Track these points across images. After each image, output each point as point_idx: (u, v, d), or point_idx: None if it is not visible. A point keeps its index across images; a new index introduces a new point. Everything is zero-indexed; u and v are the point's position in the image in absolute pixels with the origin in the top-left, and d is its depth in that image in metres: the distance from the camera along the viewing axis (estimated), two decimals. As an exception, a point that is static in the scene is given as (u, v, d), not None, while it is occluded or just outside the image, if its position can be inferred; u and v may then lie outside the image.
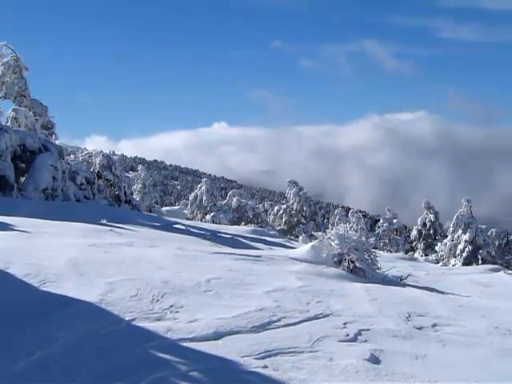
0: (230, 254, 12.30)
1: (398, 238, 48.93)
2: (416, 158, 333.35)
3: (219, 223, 40.35)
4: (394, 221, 49.74)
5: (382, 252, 25.05)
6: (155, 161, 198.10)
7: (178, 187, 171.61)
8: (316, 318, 7.56)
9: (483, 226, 37.94)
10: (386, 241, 48.52)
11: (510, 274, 15.61)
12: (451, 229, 38.54)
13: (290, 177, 51.27)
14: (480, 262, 34.34)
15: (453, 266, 33.60)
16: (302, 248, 13.16)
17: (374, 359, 6.16)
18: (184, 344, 5.95)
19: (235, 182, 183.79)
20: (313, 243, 12.73)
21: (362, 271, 11.79)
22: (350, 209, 60.50)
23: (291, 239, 31.66)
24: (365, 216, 63.26)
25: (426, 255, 42.19)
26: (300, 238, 36.33)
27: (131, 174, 47.06)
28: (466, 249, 36.73)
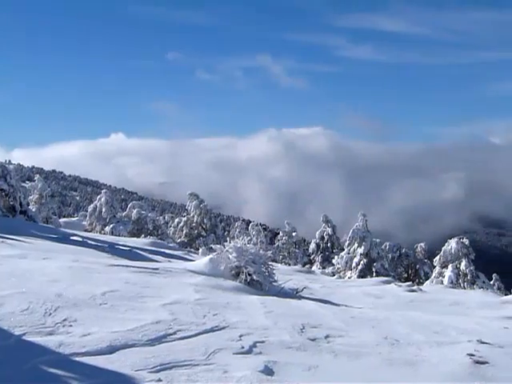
0: (127, 266, 12.16)
1: (297, 250, 49.65)
2: (313, 172, 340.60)
3: (119, 235, 39.68)
4: (294, 234, 50.45)
5: (279, 265, 25.39)
6: (53, 171, 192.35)
7: (77, 198, 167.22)
8: (212, 330, 7.59)
9: (377, 240, 39.13)
10: (286, 254, 49.10)
11: (399, 285, 16.20)
12: (347, 242, 39.50)
13: (189, 189, 50.95)
14: (374, 274, 35.35)
15: (349, 278, 34.44)
16: (201, 261, 13.18)
17: (268, 371, 6.25)
18: (76, 359, 5.84)
19: (136, 193, 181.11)
20: (211, 256, 12.78)
21: (259, 284, 11.92)
22: (250, 221, 60.93)
23: (191, 252, 31.53)
24: (265, 229, 63.82)
25: (324, 268, 43.01)
26: (200, 250, 36.24)
27: (28, 184, 45.41)
28: (362, 262, 37.73)
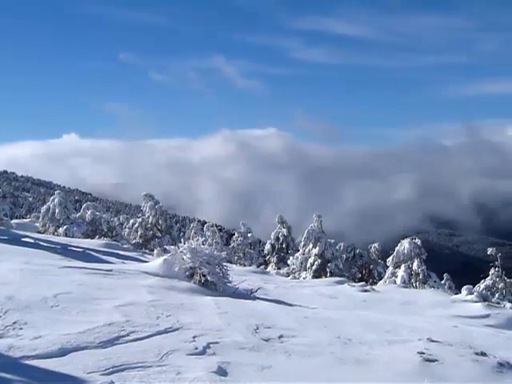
0: (80, 267, 12.02)
1: (252, 251, 49.67)
2: (267, 173, 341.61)
3: (72, 236, 39.08)
4: (249, 235, 50.46)
5: (234, 266, 25.41)
6: (5, 171, 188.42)
7: (30, 199, 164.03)
8: (165, 331, 7.58)
9: (332, 241, 39.40)
10: (241, 254, 49.08)
11: (353, 286, 16.38)
12: (302, 243, 39.65)
13: (143, 190, 50.40)
14: (329, 274, 35.60)
15: (303, 278, 34.62)
16: (155, 262, 13.12)
17: (222, 371, 6.27)
18: (27, 362, 5.77)
19: (90, 194, 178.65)
20: (165, 257, 12.72)
21: (214, 285, 11.92)
22: (205, 222, 60.73)
23: (146, 253, 31.29)
24: (220, 230, 63.72)
25: (279, 268, 43.10)
26: (155, 251, 35.97)
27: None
28: (316, 262, 37.94)
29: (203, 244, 13.14)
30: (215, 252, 13.18)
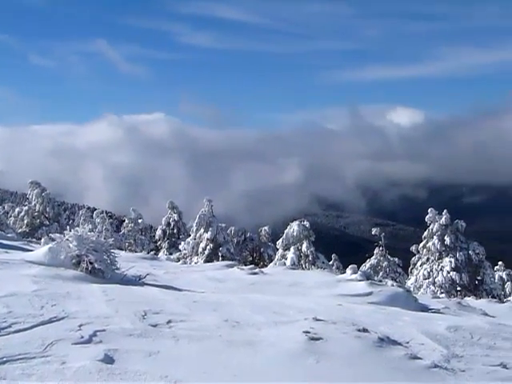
0: (-41, 259, 11.50)
1: (143, 237, 49.26)
2: (155, 158, 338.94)
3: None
4: (140, 221, 49.95)
5: (124, 252, 25.10)
6: None
7: None
8: (50, 321, 7.39)
9: (223, 225, 39.72)
10: (132, 241, 48.54)
11: (242, 269, 16.58)
12: (194, 228, 39.74)
13: (28, 177, 48.84)
14: (220, 258, 35.90)
15: (195, 263, 34.69)
16: (39, 250, 12.74)
17: (108, 359, 6.20)
18: None
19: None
20: (50, 245, 12.39)
21: (101, 272, 11.73)
22: (95, 209, 59.55)
23: (32, 242, 30.30)
24: (110, 216, 62.69)
25: (171, 254, 42.98)
26: (42, 240, 34.92)
27: None
28: (208, 247, 38.18)
29: (92, 231, 12.89)
30: (103, 239, 12.97)
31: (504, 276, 37.96)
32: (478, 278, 34.76)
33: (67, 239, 12.09)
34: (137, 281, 12.43)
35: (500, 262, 39.08)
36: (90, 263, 11.63)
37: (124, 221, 52.43)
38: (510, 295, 35.70)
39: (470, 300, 19.21)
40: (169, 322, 8.09)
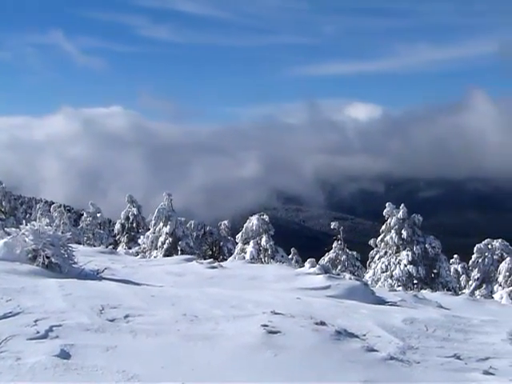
0: None
1: (102, 231, 48.80)
2: (113, 152, 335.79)
3: None
4: (98, 215, 49.46)
5: (82, 246, 24.81)
6: None
7: None
8: (5, 317, 7.30)
9: (182, 219, 39.57)
10: (90, 235, 48.06)
11: (201, 263, 16.55)
12: (153, 222, 39.50)
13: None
14: (180, 252, 35.77)
15: (154, 257, 34.51)
16: (-6, 245, 12.52)
17: (65, 354, 6.15)
18: None
19: None
20: (5, 240, 12.19)
21: (58, 266, 11.60)
22: (53, 203, 58.79)
23: (-13, 236, 29.84)
24: (69, 210, 62.01)
25: (130, 248, 42.65)
26: (-3, 234, 34.40)
27: None
28: (167, 241, 37.98)
29: (49, 225, 12.74)
30: (60, 233, 12.84)
31: (459, 269, 38.69)
32: (434, 271, 35.33)
33: (23, 233, 11.92)
34: (95, 275, 12.32)
35: (455, 256, 39.83)
36: (47, 258, 11.49)
37: (82, 215, 51.87)
38: (464, 288, 36.43)
39: (426, 293, 19.52)
40: (126, 316, 8.05)
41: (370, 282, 29.45)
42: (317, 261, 16.45)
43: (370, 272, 35.97)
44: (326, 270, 14.83)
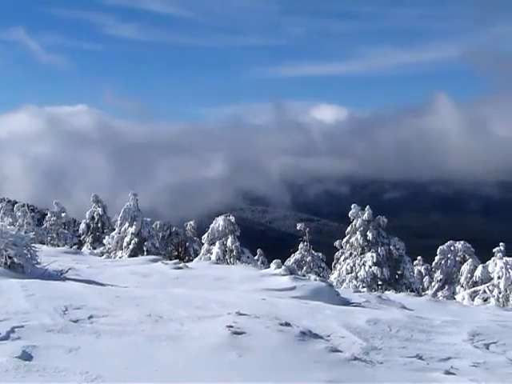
0: None
1: (66, 231, 48.26)
2: (78, 151, 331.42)
3: None
4: (63, 214, 48.87)
5: (46, 246, 24.50)
6: None
7: None
8: (-35, 318, 7.18)
9: (148, 219, 39.31)
10: (54, 235, 47.50)
11: (166, 263, 16.48)
12: (119, 222, 39.19)
13: None
14: (145, 253, 35.55)
15: (120, 258, 34.26)
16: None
17: (27, 356, 6.09)
18: None
19: None
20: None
21: (21, 267, 11.46)
22: (16, 202, 57.97)
23: None
24: (32, 210, 61.16)
25: (95, 248, 42.28)
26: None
27: None
28: (133, 241, 37.70)
29: (12, 225, 12.58)
30: (24, 233, 12.68)
31: (422, 270, 39.14)
32: (398, 272, 35.67)
33: (-15, 234, 11.75)
34: (58, 276, 12.20)
35: (419, 257, 40.27)
36: (9, 258, 11.35)
37: (46, 214, 51.21)
38: (427, 289, 36.88)
39: (389, 294, 19.69)
40: (90, 317, 7.99)
41: (335, 283, 29.63)
42: (283, 262, 16.47)
43: (336, 273, 36.16)
44: (291, 271, 14.88)
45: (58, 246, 40.47)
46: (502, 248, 31.83)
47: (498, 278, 26.70)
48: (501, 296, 26.22)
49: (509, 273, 26.34)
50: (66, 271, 12.68)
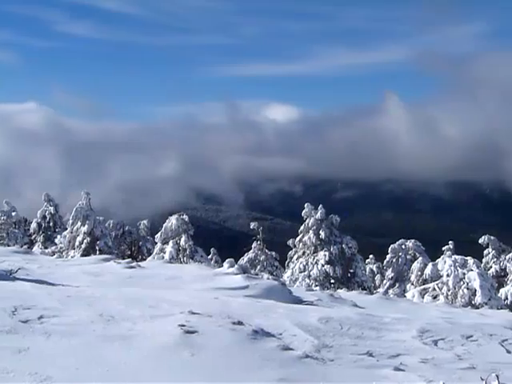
0: None
1: (17, 231, 47.46)
2: (27, 149, 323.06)
3: None
4: (13, 214, 48.08)
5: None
6: None
7: None
8: None
9: (101, 218, 38.92)
10: (4, 235, 46.68)
11: (119, 263, 16.37)
12: (71, 221, 38.71)
13: None
14: (98, 252, 35.19)
15: (72, 257, 33.85)
16: None
17: (-26, 357, 5.99)
18: None
19: None
20: None
21: (-31, 267, 11.23)
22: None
23: None
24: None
25: (46, 248, 41.71)
26: None
27: None
28: (85, 240, 37.29)
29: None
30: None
31: (374, 269, 39.69)
32: (351, 270, 36.08)
33: None
34: (7, 276, 11.99)
35: (371, 256, 40.83)
36: (-43, 257, 11.12)
37: (-5, 213, 50.27)
38: (379, 287, 37.41)
39: (342, 292, 19.95)
40: (40, 317, 7.90)
41: (288, 282, 29.85)
42: (236, 261, 16.56)
43: (289, 272, 36.37)
44: (244, 270, 14.95)
45: (8, 245, 39.74)
46: (451, 246, 32.59)
47: (447, 275, 27.20)
48: (449, 293, 26.73)
49: (457, 271, 26.86)
50: (16, 271, 12.49)
